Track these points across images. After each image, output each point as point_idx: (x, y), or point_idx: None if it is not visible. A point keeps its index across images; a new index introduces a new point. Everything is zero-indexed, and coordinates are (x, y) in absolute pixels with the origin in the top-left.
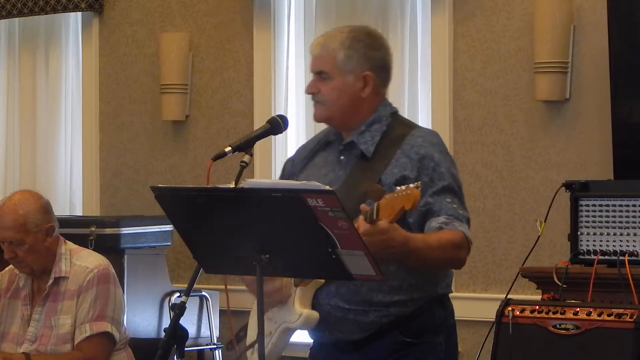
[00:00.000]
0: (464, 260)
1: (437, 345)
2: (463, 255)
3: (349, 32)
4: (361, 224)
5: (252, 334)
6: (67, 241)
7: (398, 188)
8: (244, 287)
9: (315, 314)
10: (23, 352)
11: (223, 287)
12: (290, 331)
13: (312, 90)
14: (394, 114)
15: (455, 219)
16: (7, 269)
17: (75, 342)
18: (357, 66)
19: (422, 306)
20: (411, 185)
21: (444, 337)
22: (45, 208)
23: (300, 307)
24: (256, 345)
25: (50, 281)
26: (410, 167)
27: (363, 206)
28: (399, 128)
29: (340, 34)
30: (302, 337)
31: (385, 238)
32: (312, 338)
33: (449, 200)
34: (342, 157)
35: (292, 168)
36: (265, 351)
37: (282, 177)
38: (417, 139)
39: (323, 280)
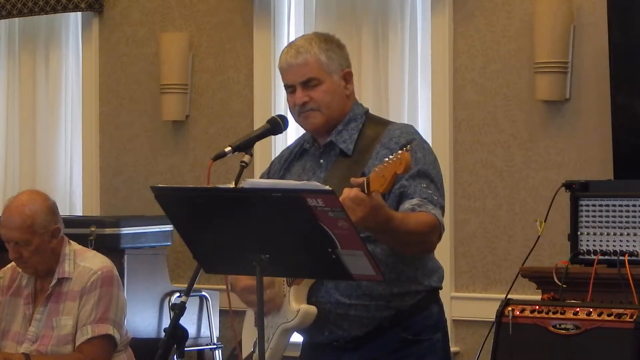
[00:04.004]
0: (435, 244)
1: (435, 343)
2: (434, 240)
3: (316, 36)
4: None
5: (247, 347)
6: (71, 242)
7: (385, 159)
8: None
9: (313, 309)
10: (23, 353)
11: (223, 287)
12: (288, 332)
13: (304, 100)
14: (367, 112)
15: (429, 202)
16: (9, 265)
17: (77, 344)
18: (338, 65)
19: (419, 302)
20: (399, 151)
21: (441, 334)
22: (53, 209)
23: (296, 304)
24: (254, 354)
25: (54, 282)
26: None
27: (353, 180)
28: (374, 125)
29: (310, 40)
30: (293, 337)
31: (375, 213)
32: (306, 338)
33: (424, 185)
34: (321, 160)
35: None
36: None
37: None
38: (395, 131)
39: None
